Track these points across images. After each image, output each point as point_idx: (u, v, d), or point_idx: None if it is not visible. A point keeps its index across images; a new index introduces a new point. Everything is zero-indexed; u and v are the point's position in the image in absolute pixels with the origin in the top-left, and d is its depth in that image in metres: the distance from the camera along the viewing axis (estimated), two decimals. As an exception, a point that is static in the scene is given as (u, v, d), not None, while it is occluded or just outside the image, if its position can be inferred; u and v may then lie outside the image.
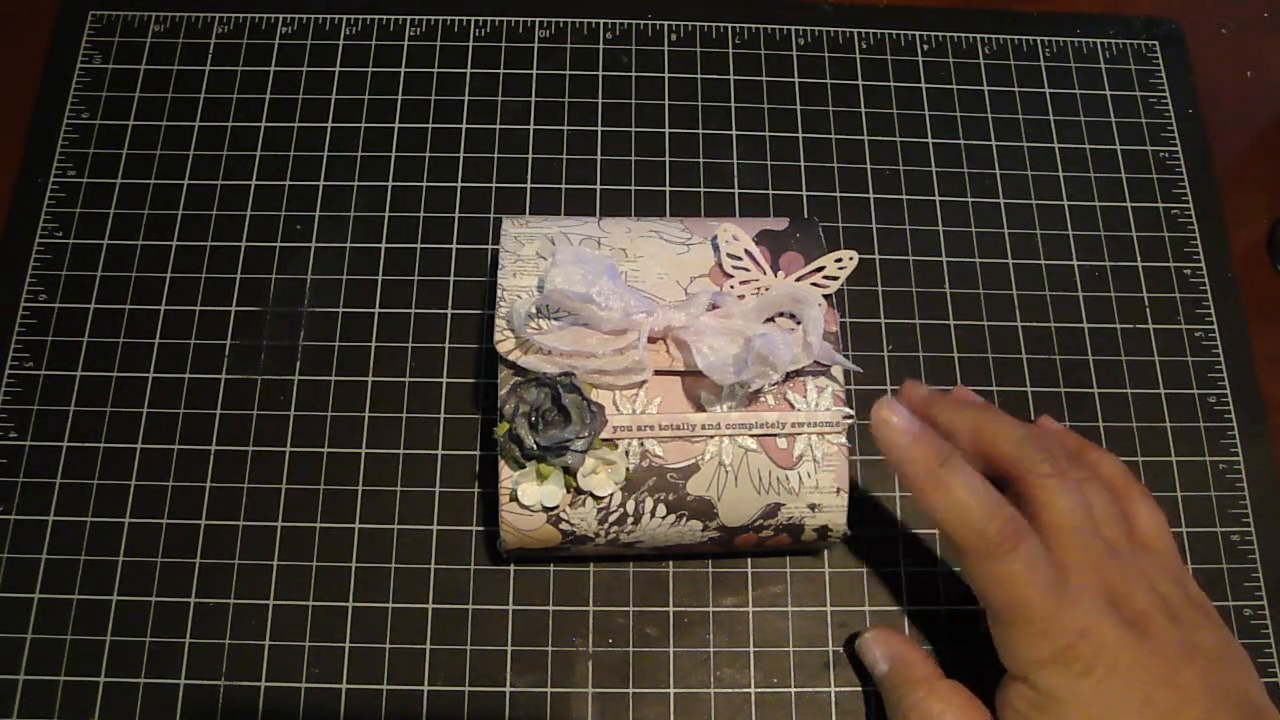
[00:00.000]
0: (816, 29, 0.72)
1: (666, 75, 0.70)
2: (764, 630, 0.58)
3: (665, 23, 0.72)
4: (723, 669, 0.57)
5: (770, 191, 0.67)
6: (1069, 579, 0.47)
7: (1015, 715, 0.48)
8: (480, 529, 0.59)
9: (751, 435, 0.52)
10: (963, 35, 0.72)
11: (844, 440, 0.53)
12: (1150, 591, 0.49)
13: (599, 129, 0.69)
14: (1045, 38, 0.73)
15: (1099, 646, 0.46)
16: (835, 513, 0.53)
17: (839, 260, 0.55)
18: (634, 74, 0.70)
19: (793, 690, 0.57)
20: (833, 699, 0.57)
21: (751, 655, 0.58)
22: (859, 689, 0.57)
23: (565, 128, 0.69)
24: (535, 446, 0.50)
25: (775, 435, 0.52)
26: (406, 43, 0.70)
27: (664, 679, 0.57)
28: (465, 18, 0.71)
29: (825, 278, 0.55)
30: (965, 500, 0.48)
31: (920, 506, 0.49)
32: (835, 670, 0.58)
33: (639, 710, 0.56)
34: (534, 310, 0.52)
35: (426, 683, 0.56)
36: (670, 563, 0.59)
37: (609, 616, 0.58)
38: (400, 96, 0.69)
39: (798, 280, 0.55)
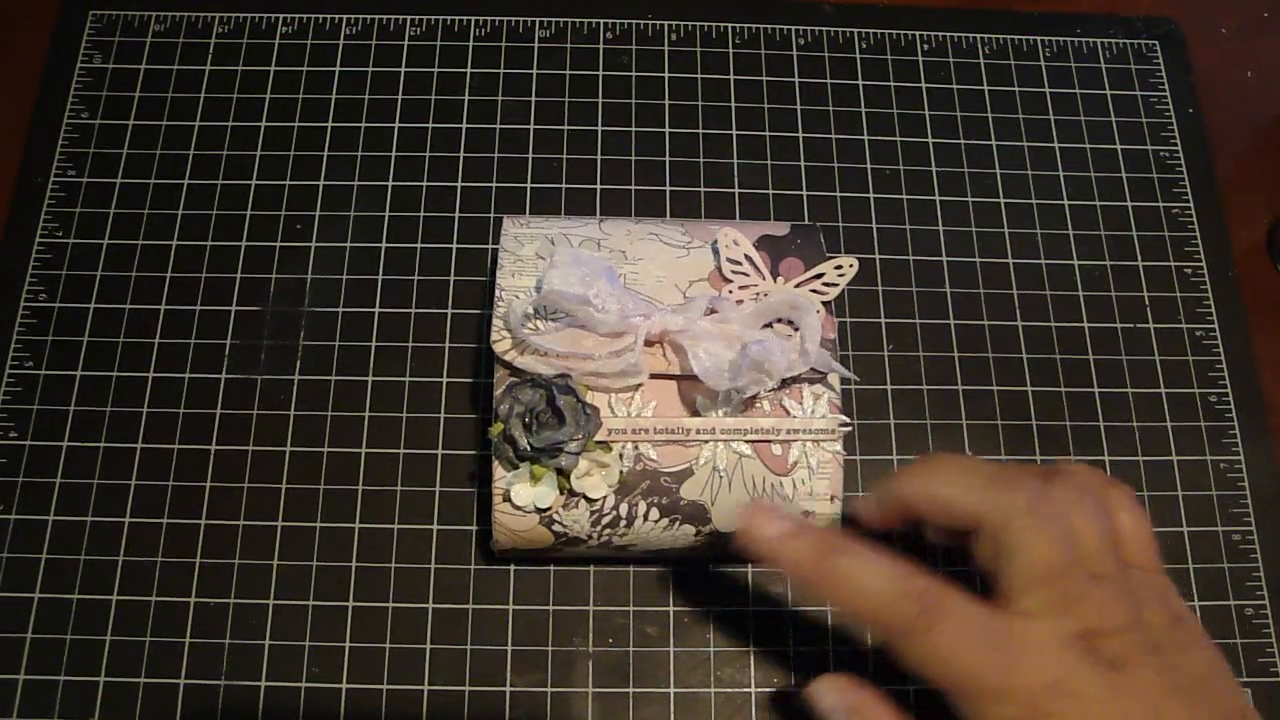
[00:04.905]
0: (816, 29, 0.72)
1: (666, 75, 0.70)
2: (764, 630, 0.58)
3: (665, 23, 0.72)
4: (723, 669, 0.57)
5: (770, 191, 0.67)
6: (1024, 630, 0.44)
7: None
8: (480, 529, 0.59)
9: (746, 441, 0.52)
10: (963, 35, 0.72)
11: (839, 448, 0.53)
12: (1133, 621, 0.45)
13: (599, 129, 0.69)
14: (1045, 38, 0.73)
15: (1072, 698, 0.43)
16: (829, 520, 0.53)
17: (839, 267, 0.55)
18: (634, 74, 0.70)
19: (793, 690, 0.57)
20: (832, 699, 0.57)
21: (751, 655, 0.58)
22: (858, 689, 0.57)
23: (565, 128, 0.69)
24: (529, 448, 0.50)
25: (770, 441, 0.52)
26: (406, 43, 0.70)
27: (664, 679, 0.57)
28: (465, 18, 0.71)
29: (825, 284, 0.55)
30: (865, 584, 0.45)
31: (822, 605, 0.47)
32: (835, 670, 0.57)
33: (639, 710, 0.56)
34: (531, 311, 0.52)
35: (426, 683, 0.56)
36: (670, 563, 0.59)
37: (609, 616, 0.58)
38: (400, 96, 0.69)
39: (797, 287, 0.55)
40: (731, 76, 0.71)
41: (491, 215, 0.66)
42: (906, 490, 0.49)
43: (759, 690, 0.57)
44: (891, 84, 0.71)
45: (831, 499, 0.53)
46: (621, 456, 0.52)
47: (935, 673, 0.44)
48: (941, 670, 0.44)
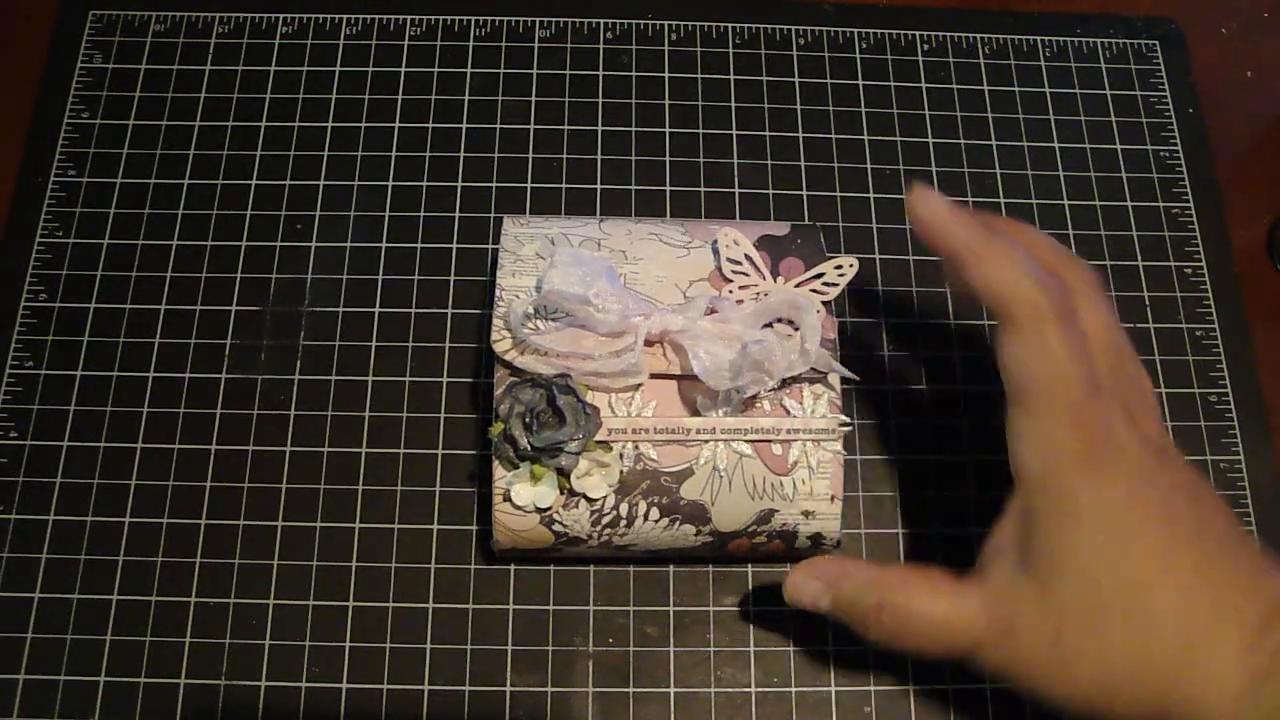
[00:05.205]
0: (816, 29, 0.72)
1: (666, 75, 0.70)
2: (764, 630, 0.58)
3: (665, 23, 0.72)
4: (723, 669, 0.57)
5: (770, 191, 0.67)
6: (1102, 381, 0.47)
7: (1020, 519, 0.48)
8: (480, 528, 0.59)
9: (747, 441, 0.52)
10: (963, 35, 0.72)
11: (839, 447, 0.53)
12: (1158, 422, 0.50)
13: (599, 129, 0.69)
14: (1045, 38, 0.73)
15: (1122, 453, 0.46)
16: (829, 520, 0.53)
17: (839, 267, 0.55)
18: (634, 74, 0.70)
19: (793, 690, 0.57)
20: (833, 699, 0.57)
21: (751, 655, 0.58)
22: (859, 689, 0.57)
23: (565, 128, 0.69)
24: (529, 447, 0.50)
25: (770, 441, 0.52)
26: (406, 43, 0.70)
27: (664, 679, 0.57)
28: (465, 18, 0.71)
29: (825, 284, 0.55)
30: (1018, 268, 0.47)
31: (967, 279, 0.47)
32: (835, 670, 0.57)
33: (639, 710, 0.56)
34: (531, 310, 0.53)
35: (426, 683, 0.56)
36: (670, 563, 0.59)
37: (609, 616, 0.58)
38: (400, 96, 0.69)
39: (797, 286, 0.55)
40: (731, 76, 0.71)
41: (491, 215, 0.66)
42: (965, 270, 0.48)
43: (759, 690, 0.57)
44: (891, 84, 0.71)
45: (832, 499, 0.53)
46: (621, 456, 0.52)
47: (1035, 370, 0.46)
48: (1042, 369, 0.46)
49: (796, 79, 0.71)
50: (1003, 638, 0.47)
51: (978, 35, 0.72)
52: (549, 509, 0.52)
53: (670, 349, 0.53)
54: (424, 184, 0.67)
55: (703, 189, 0.67)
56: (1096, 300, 0.50)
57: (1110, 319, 0.51)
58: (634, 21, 0.72)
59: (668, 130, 0.69)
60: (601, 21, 0.72)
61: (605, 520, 0.52)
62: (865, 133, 0.69)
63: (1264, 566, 0.46)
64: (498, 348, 0.52)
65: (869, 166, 0.68)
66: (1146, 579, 0.45)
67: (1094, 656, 0.45)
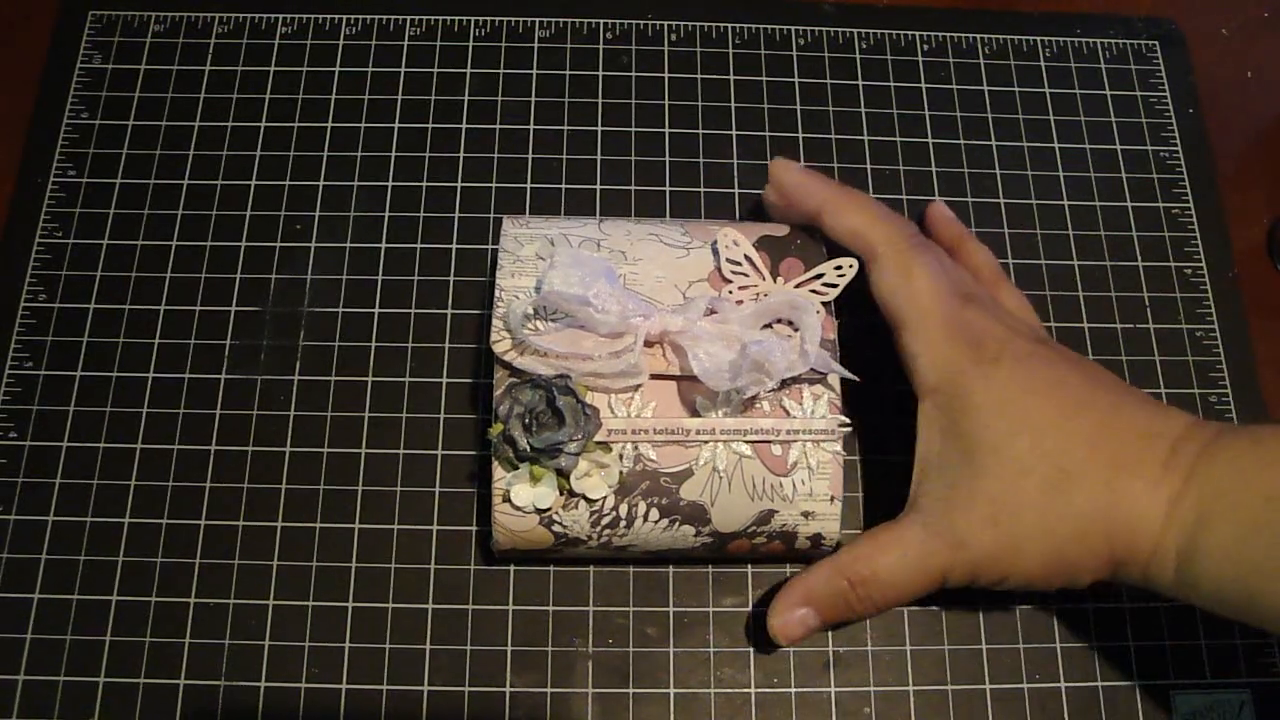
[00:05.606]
0: (816, 29, 0.72)
1: (666, 75, 0.70)
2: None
3: (665, 23, 0.72)
4: (723, 669, 0.57)
5: (770, 191, 0.67)
6: (970, 293, 0.54)
7: (934, 430, 0.52)
8: (480, 529, 0.59)
9: (746, 441, 0.52)
10: (963, 35, 0.72)
11: (839, 448, 0.53)
12: (1036, 321, 0.58)
13: (599, 129, 0.69)
14: (1045, 38, 0.73)
15: (1004, 344, 0.51)
16: (829, 520, 0.53)
17: (839, 268, 0.55)
18: (634, 74, 0.70)
19: (793, 690, 0.57)
20: (833, 699, 0.57)
21: (751, 655, 0.58)
22: (859, 689, 0.57)
23: (565, 128, 0.69)
24: (529, 448, 0.50)
25: (770, 442, 0.52)
26: (406, 43, 0.70)
27: (664, 679, 0.57)
28: (465, 18, 0.71)
29: (824, 285, 0.55)
30: (872, 211, 0.55)
31: (830, 227, 0.55)
32: (835, 670, 0.57)
33: (639, 710, 0.56)
34: (531, 311, 0.52)
35: (426, 683, 0.56)
36: (670, 563, 0.59)
37: (609, 616, 0.58)
38: (400, 96, 0.69)
39: (797, 287, 0.55)
40: (731, 76, 0.71)
41: (491, 215, 0.66)
42: (827, 220, 0.56)
43: (759, 690, 0.57)
44: (891, 84, 0.71)
45: (831, 499, 0.53)
46: (621, 457, 0.52)
47: (907, 296, 0.53)
48: (911, 292, 0.53)
49: (796, 79, 0.71)
50: (956, 550, 0.50)
51: (978, 35, 0.72)
52: (548, 510, 0.52)
53: (670, 350, 0.53)
54: (423, 184, 0.67)
55: (703, 189, 0.67)
56: (919, 255, 0.55)
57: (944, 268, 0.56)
58: (634, 22, 0.72)
59: (667, 130, 0.69)
60: (601, 22, 0.72)
61: (605, 521, 0.52)
62: (865, 133, 0.69)
63: (1160, 407, 0.51)
64: (497, 348, 0.52)
65: (869, 166, 0.68)
66: (1053, 443, 0.49)
67: (1035, 529, 0.49)
